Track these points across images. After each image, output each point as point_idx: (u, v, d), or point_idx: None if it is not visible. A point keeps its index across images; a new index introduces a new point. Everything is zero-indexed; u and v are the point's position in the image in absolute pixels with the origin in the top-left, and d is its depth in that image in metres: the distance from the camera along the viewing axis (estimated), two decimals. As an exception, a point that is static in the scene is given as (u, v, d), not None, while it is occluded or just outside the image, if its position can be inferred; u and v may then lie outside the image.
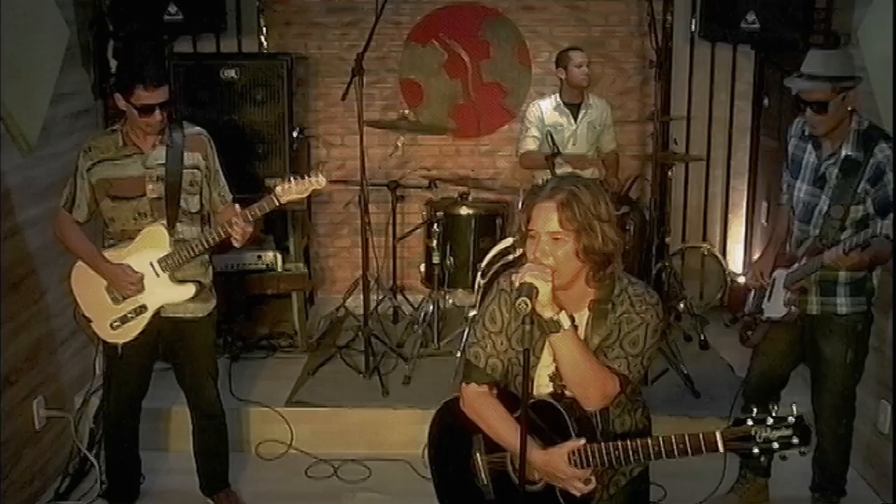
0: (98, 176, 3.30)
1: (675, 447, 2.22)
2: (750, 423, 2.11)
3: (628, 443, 2.29)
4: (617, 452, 2.30)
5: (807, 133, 3.34)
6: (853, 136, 3.18)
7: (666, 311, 5.02)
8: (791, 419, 2.09)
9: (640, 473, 2.58)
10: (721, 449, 2.16)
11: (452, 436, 2.63)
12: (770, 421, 2.09)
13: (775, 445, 2.09)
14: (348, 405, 4.30)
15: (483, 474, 2.56)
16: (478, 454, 2.57)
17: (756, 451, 2.11)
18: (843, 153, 3.18)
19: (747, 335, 3.57)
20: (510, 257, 4.18)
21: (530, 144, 5.03)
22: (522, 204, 2.43)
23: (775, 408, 2.11)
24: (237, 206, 3.36)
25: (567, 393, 2.42)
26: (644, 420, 2.58)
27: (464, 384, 2.53)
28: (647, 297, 2.42)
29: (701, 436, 2.19)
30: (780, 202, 3.56)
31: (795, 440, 2.08)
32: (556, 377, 2.43)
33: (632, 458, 2.28)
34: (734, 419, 2.16)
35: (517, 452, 2.37)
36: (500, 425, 2.44)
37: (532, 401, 2.39)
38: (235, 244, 3.32)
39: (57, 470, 3.95)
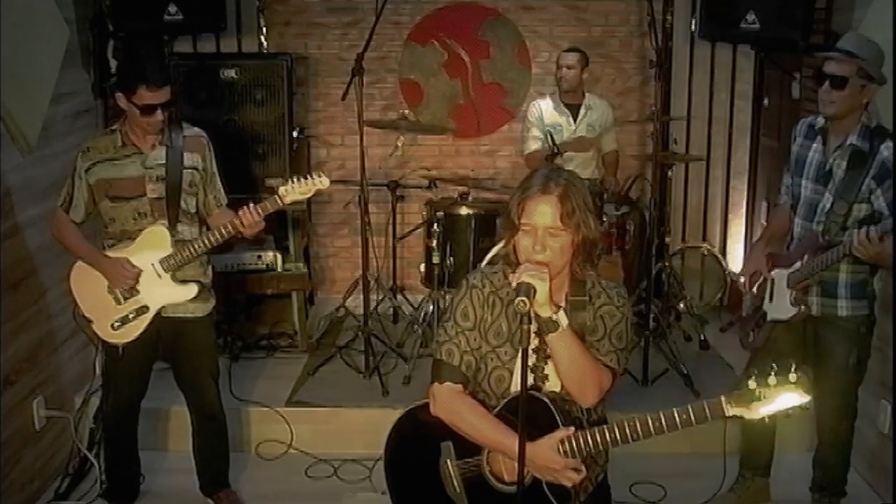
0: (97, 176, 3.30)
1: (678, 420, 2.22)
2: (753, 385, 2.13)
3: (625, 422, 2.26)
4: (614, 435, 2.29)
5: (817, 128, 3.32)
6: (861, 129, 3.16)
7: (666, 311, 5.04)
8: (793, 377, 2.11)
9: (602, 479, 2.58)
10: (727, 414, 2.17)
11: (415, 446, 2.58)
12: (773, 382, 2.12)
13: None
14: (348, 405, 4.30)
15: (455, 482, 2.51)
16: (448, 461, 2.51)
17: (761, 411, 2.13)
18: (849, 142, 3.17)
19: (750, 338, 3.55)
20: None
21: (534, 145, 5.09)
22: (513, 199, 2.37)
23: (774, 368, 2.13)
24: (246, 206, 3.36)
25: (548, 385, 2.42)
26: (604, 411, 2.57)
27: (436, 384, 2.45)
28: (621, 290, 2.48)
29: (705, 404, 2.20)
30: (778, 202, 3.56)
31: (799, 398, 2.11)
32: (536, 369, 2.42)
33: (630, 437, 2.27)
34: (738, 384, 2.17)
35: (501, 450, 2.36)
36: (483, 422, 2.40)
37: (512, 396, 2.39)
38: (246, 232, 3.33)
39: (57, 470, 3.94)
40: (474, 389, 2.50)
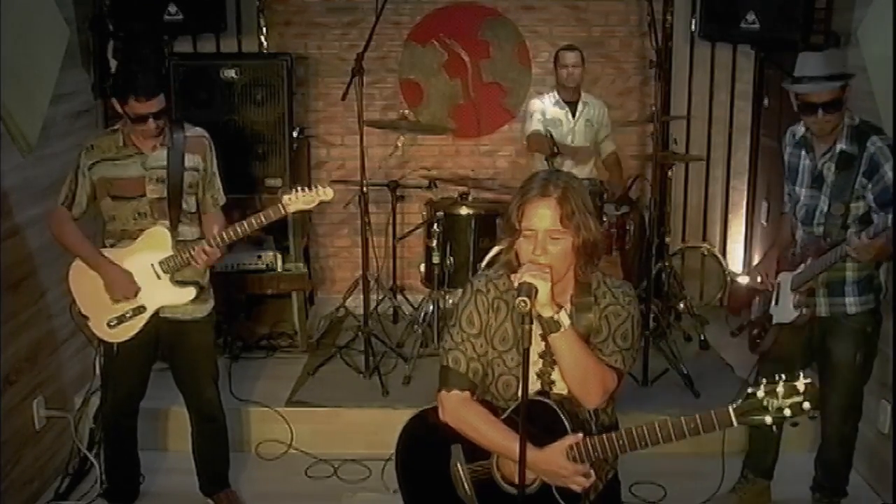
0: (99, 175, 3.31)
1: (685, 428, 2.20)
2: (761, 394, 2.11)
3: (633, 430, 2.26)
4: (621, 441, 2.28)
5: (797, 137, 3.35)
6: (846, 132, 3.19)
7: (666, 311, 5.04)
8: (801, 385, 2.09)
9: (612, 476, 2.57)
10: (735, 423, 2.15)
11: (426, 449, 2.58)
12: (781, 390, 2.09)
13: (787, 413, 2.09)
14: (348, 405, 4.30)
15: (466, 485, 2.51)
16: (458, 464, 2.51)
17: (769, 420, 2.11)
18: (838, 148, 3.20)
19: (757, 342, 3.55)
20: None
21: (537, 125, 5.05)
22: (512, 203, 2.37)
23: (783, 377, 2.11)
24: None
25: (555, 389, 2.42)
26: (615, 414, 2.56)
27: (443, 392, 2.45)
28: (626, 288, 2.45)
29: (713, 413, 2.18)
30: (783, 210, 3.57)
31: (807, 405, 2.08)
32: (543, 374, 2.42)
33: (638, 444, 2.26)
34: (745, 393, 2.15)
35: (509, 456, 2.35)
36: (491, 429, 2.39)
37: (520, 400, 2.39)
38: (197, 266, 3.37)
39: (57, 470, 3.94)
40: (482, 393, 2.49)
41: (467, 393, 2.44)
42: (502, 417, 2.42)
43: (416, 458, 2.62)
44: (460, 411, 2.44)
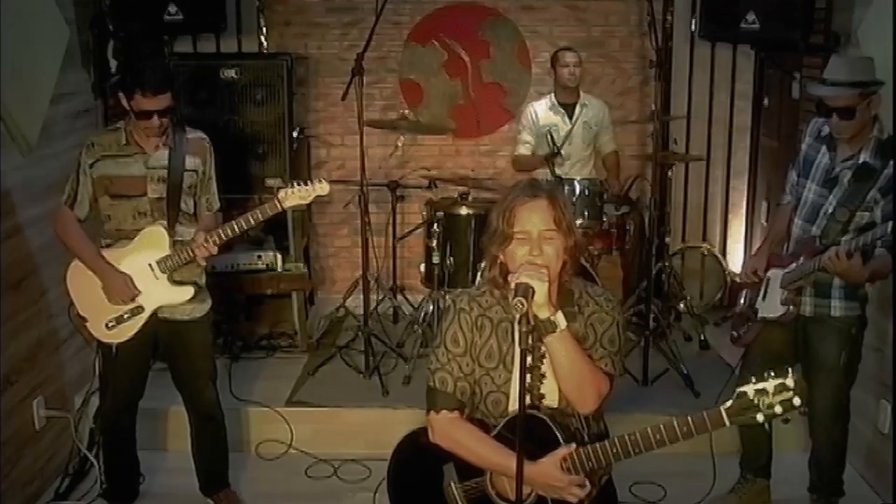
0: (99, 172, 3.31)
1: (678, 432, 2.21)
2: (752, 393, 2.12)
3: (626, 437, 2.26)
4: (615, 450, 2.28)
5: (823, 134, 3.31)
6: (873, 144, 3.15)
7: (666, 311, 5.04)
8: (790, 382, 2.10)
9: (607, 481, 2.56)
10: (727, 424, 2.16)
11: (417, 470, 2.57)
12: (771, 388, 2.11)
13: (778, 410, 2.11)
14: (348, 405, 4.31)
15: (460, 503, 2.52)
16: (451, 484, 2.51)
17: (761, 418, 2.12)
18: (861, 159, 3.16)
19: (739, 333, 3.55)
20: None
21: (522, 149, 5.14)
22: (498, 213, 2.36)
23: (772, 374, 2.12)
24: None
25: (545, 402, 2.41)
26: (605, 424, 2.56)
27: (432, 413, 2.45)
28: (608, 295, 2.48)
29: (705, 414, 2.19)
30: (782, 202, 3.56)
31: (797, 401, 2.10)
32: (532, 388, 2.40)
33: (632, 451, 2.26)
34: (736, 393, 2.16)
35: (503, 472, 2.35)
36: (483, 447, 2.39)
37: (511, 416, 2.38)
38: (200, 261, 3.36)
39: (57, 470, 3.94)
40: (472, 411, 2.49)
41: (456, 413, 2.44)
42: (493, 434, 2.42)
43: (409, 480, 2.62)
44: (451, 432, 2.43)
